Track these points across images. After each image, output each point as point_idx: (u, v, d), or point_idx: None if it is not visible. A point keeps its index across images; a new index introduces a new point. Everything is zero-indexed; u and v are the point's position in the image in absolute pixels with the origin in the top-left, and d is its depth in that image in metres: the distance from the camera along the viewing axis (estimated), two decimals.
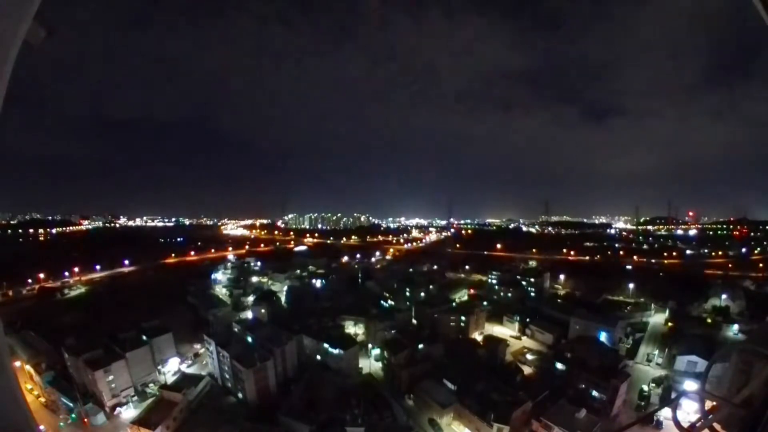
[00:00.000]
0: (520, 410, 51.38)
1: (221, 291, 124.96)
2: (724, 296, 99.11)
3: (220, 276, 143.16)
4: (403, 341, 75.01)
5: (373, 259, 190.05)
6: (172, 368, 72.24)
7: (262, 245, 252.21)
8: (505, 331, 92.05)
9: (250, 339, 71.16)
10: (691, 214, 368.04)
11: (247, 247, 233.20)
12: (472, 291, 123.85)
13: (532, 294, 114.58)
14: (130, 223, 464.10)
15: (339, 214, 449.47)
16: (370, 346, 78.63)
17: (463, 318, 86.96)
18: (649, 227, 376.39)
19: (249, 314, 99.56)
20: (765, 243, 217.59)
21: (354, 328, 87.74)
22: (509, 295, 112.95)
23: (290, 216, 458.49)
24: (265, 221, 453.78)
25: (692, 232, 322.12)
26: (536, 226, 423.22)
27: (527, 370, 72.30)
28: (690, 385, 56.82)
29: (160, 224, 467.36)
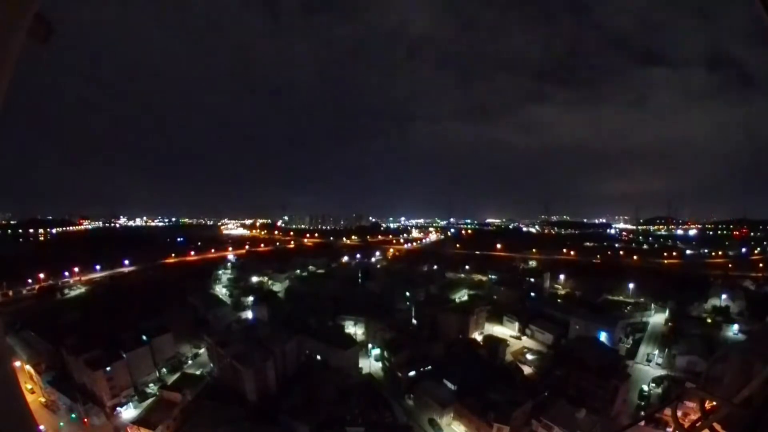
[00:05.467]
0: (520, 410, 51.37)
1: (221, 291, 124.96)
2: (724, 296, 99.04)
3: (220, 276, 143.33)
4: (403, 341, 75.03)
5: (373, 259, 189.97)
6: None
7: (262, 245, 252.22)
8: (505, 331, 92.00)
9: (249, 339, 71.13)
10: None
11: (247, 247, 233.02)
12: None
13: (532, 294, 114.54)
14: (130, 223, 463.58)
15: (339, 214, 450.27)
16: (370, 346, 78.60)
17: (463, 318, 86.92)
18: (649, 227, 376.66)
19: (249, 314, 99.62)
20: (765, 243, 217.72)
21: (354, 328, 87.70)
22: (509, 295, 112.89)
23: (290, 216, 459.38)
24: (265, 221, 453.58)
25: (692, 232, 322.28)
26: (536, 226, 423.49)
27: (527, 370, 72.27)
28: (690, 385, 56.84)
29: (160, 224, 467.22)
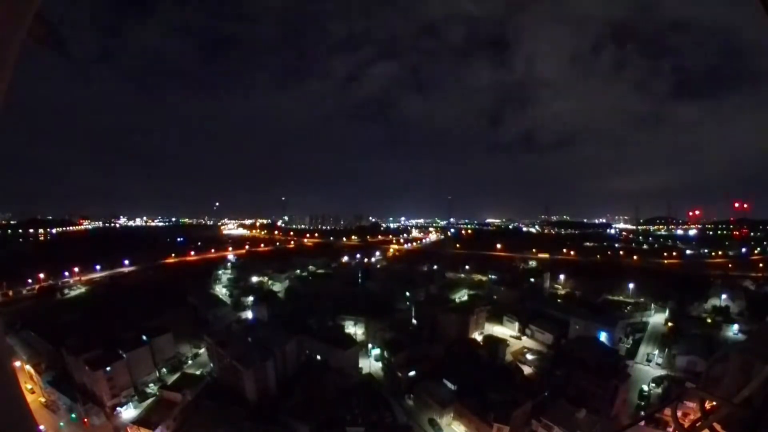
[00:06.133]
0: (520, 410, 51.38)
1: (221, 291, 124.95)
2: (724, 296, 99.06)
3: (220, 276, 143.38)
4: (403, 341, 75.01)
5: (373, 259, 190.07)
6: None
7: (262, 245, 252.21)
8: (505, 331, 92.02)
9: (249, 339, 71.14)
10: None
11: (247, 247, 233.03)
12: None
13: (532, 294, 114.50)
14: (130, 223, 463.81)
15: (339, 214, 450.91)
16: (370, 346, 78.62)
17: (463, 318, 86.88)
18: (650, 227, 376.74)
19: (249, 314, 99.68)
20: (765, 243, 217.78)
21: (354, 328, 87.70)
22: (509, 295, 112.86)
23: (290, 216, 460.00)
24: (265, 221, 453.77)
25: (692, 232, 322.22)
26: (536, 226, 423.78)
27: (527, 370, 72.28)
28: (690, 385, 56.84)
29: (161, 224, 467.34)
